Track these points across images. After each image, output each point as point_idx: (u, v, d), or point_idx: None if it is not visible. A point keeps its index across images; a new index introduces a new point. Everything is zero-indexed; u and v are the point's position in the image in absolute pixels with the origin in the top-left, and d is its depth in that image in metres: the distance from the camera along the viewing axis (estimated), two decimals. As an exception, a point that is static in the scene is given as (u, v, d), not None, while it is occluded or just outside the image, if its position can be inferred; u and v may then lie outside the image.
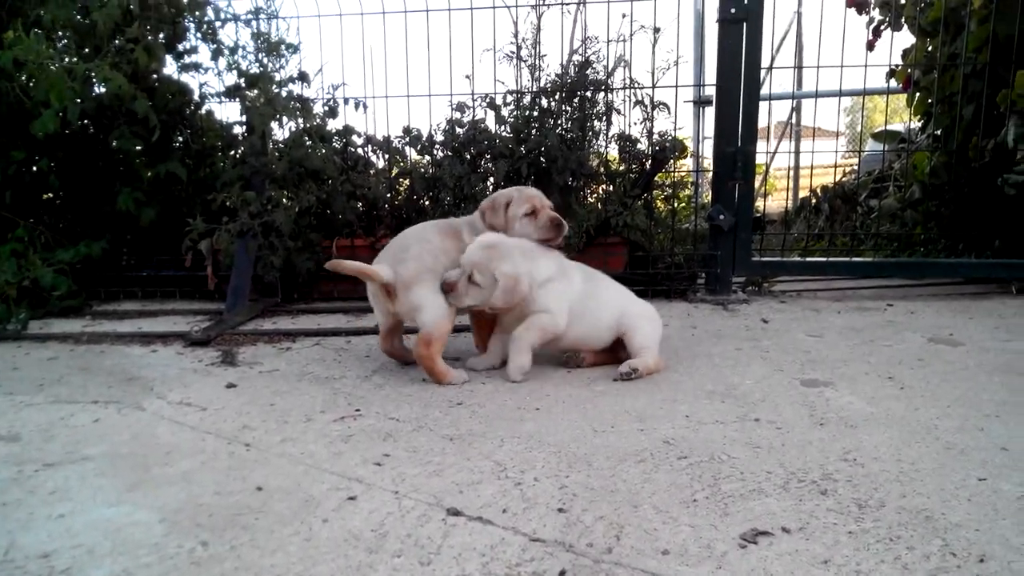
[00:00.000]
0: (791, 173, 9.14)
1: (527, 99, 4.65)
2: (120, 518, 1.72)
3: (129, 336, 3.75)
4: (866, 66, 4.94)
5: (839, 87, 4.99)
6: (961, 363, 3.02)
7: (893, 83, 5.91)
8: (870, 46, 6.29)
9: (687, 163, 5.60)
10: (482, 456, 2.10)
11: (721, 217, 4.44)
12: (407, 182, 4.79)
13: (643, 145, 4.69)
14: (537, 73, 4.65)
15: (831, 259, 5.16)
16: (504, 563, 1.49)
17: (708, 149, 6.42)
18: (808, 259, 5.13)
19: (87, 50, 4.28)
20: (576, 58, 4.61)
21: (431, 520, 1.69)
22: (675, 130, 4.63)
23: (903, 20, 5.84)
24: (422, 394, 2.74)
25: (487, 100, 4.65)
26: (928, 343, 3.38)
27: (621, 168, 4.75)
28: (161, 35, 4.45)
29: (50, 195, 4.88)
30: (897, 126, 7.21)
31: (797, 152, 8.88)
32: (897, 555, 1.49)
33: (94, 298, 4.68)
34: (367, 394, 2.75)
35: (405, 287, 2.85)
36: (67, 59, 4.11)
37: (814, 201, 7.35)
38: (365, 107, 4.57)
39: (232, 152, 4.71)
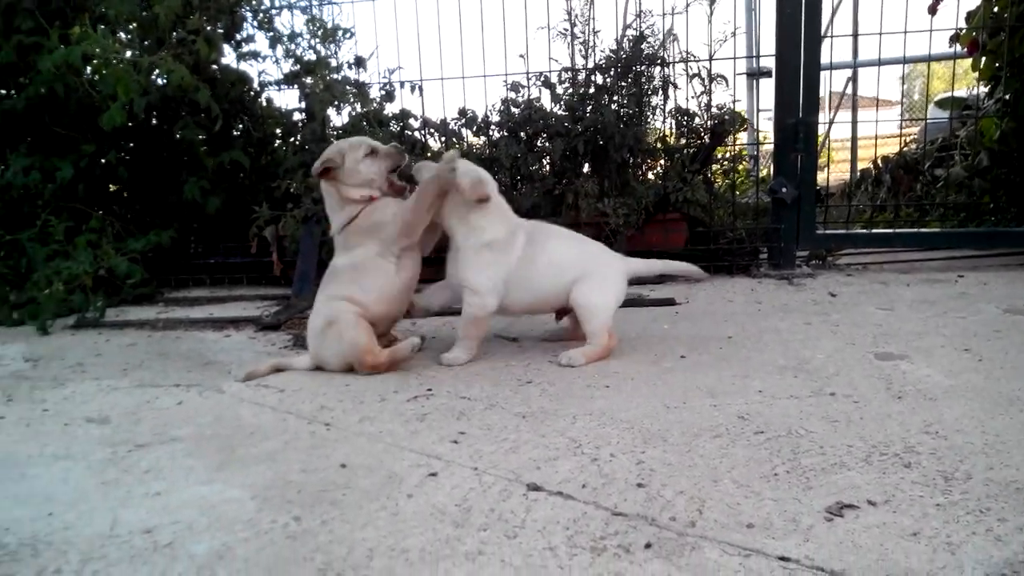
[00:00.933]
0: (852, 143, 8.93)
1: (582, 76, 4.63)
2: (213, 495, 1.79)
3: (202, 322, 3.86)
4: (931, 31, 4.78)
5: (903, 54, 4.84)
6: (1040, 333, 2.94)
7: (957, 48, 5.73)
8: (932, 10, 6.09)
9: (742, 137, 5.52)
10: (556, 433, 2.12)
11: (784, 190, 4.38)
12: (463, 163, 4.81)
13: (701, 119, 4.63)
14: (591, 50, 4.61)
15: (898, 230, 5.05)
16: (589, 536, 1.51)
17: (763, 122, 6.36)
18: (875, 231, 5.02)
19: (149, 43, 4.38)
20: (630, 33, 4.56)
21: (512, 495, 1.72)
22: (734, 103, 4.57)
23: (968, -19, 5.64)
24: (491, 373, 2.77)
25: (542, 79, 4.64)
26: (1004, 314, 3.30)
27: (680, 143, 4.70)
28: (219, 25, 4.53)
29: (118, 186, 5.03)
30: (961, 92, 6.99)
31: (855, 122, 8.66)
32: (988, 527, 1.47)
33: (164, 285, 4.82)
34: (437, 373, 2.79)
35: None
36: (131, 52, 4.21)
37: (875, 172, 7.18)
38: (421, 90, 4.61)
39: (292, 139, 4.79)
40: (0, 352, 3.42)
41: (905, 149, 7.12)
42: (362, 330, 2.80)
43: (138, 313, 4.16)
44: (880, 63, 5.05)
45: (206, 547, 1.53)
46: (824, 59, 4.48)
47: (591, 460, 1.90)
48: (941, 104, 6.69)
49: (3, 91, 4.76)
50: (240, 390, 2.67)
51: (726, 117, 4.53)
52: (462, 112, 4.72)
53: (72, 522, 1.68)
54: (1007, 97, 5.48)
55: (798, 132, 4.33)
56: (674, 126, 4.66)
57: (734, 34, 4.49)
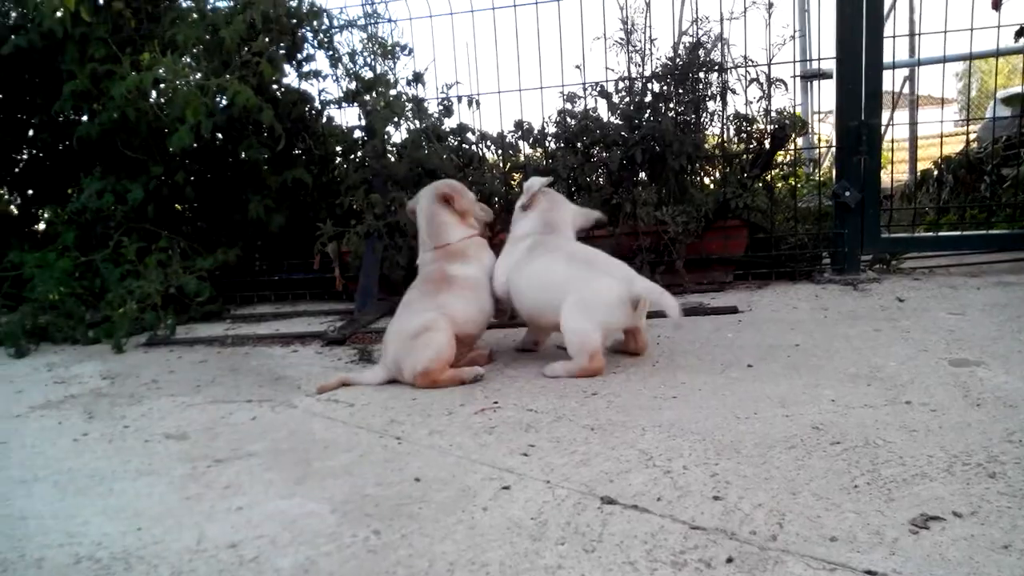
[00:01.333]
0: (911, 144, 8.72)
1: (638, 85, 4.62)
2: (293, 509, 1.83)
3: (269, 337, 3.94)
4: (999, 27, 4.65)
5: (970, 50, 4.71)
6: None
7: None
8: (995, 6, 5.93)
9: (800, 141, 5.43)
10: (626, 445, 2.11)
11: (847, 193, 4.29)
12: (519, 176, 4.84)
13: (760, 124, 4.58)
14: (647, 58, 4.61)
15: (966, 233, 4.92)
16: (668, 550, 1.51)
17: (818, 125, 6.24)
18: (941, 234, 4.89)
19: (215, 65, 4.50)
20: (686, 39, 4.54)
21: (587, 508, 1.72)
22: (794, 106, 4.50)
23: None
24: (555, 385, 2.77)
25: (598, 89, 4.64)
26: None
27: (739, 148, 4.66)
28: (282, 46, 4.64)
29: (185, 206, 5.18)
30: (1015, 88, 6.75)
31: (913, 123, 8.46)
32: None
33: (230, 302, 4.94)
34: (502, 386, 2.81)
35: None
36: (198, 76, 4.33)
37: (937, 173, 6.99)
38: (478, 104, 4.65)
39: (352, 156, 4.87)
40: (78, 370, 3.54)
41: (970, 148, 6.92)
42: (450, 344, 2.87)
43: (206, 330, 4.27)
44: (945, 60, 4.92)
45: (291, 561, 1.57)
46: (886, 59, 4.39)
47: (664, 472, 1.90)
48: (1008, 101, 6.49)
49: (78, 117, 4.95)
50: (311, 405, 2.73)
51: (786, 121, 4.47)
52: (518, 124, 4.74)
53: (160, 537, 1.73)
54: (1078, 92, 5.31)
55: (861, 134, 4.25)
56: (733, 132, 4.61)
57: (793, 37, 4.43)
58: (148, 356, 3.76)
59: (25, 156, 5.61)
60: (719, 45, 4.51)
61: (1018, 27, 5.54)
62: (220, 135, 4.90)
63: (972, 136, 7.25)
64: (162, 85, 4.36)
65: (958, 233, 4.95)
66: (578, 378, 2.82)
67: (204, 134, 4.39)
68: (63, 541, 1.74)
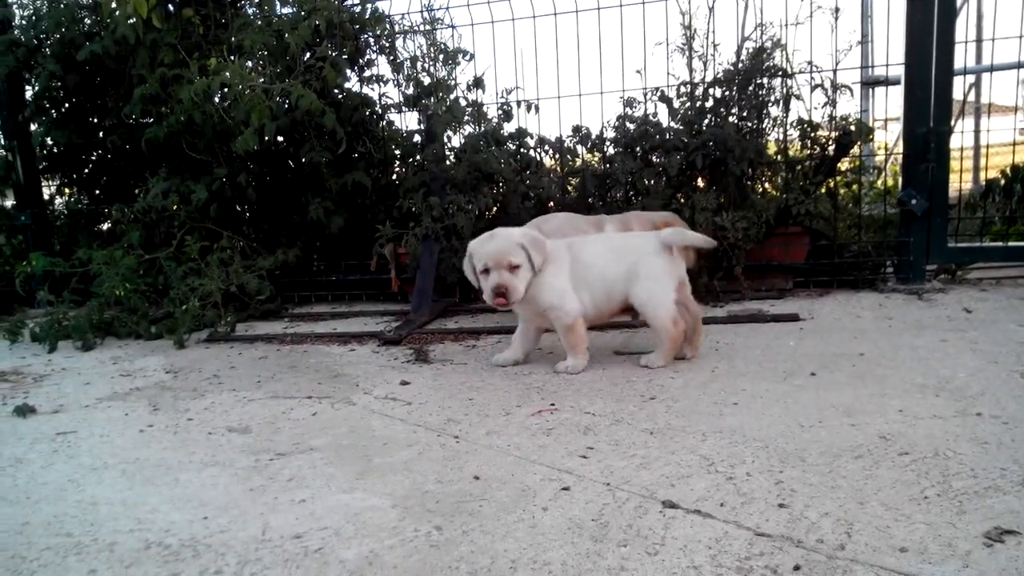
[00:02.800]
0: (975, 152, 8.48)
1: (700, 90, 4.58)
2: (355, 503, 1.85)
3: (327, 336, 4.00)
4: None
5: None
6: None
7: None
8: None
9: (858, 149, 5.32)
10: (686, 450, 2.09)
11: (913, 202, 4.19)
12: (577, 180, 4.83)
13: (824, 130, 4.50)
14: (709, 63, 4.57)
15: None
16: (733, 556, 1.49)
17: (879, 132, 6.11)
18: (1011, 243, 4.74)
19: (280, 70, 4.60)
20: (749, 45, 4.49)
21: (648, 512, 1.71)
22: (860, 112, 4.42)
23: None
24: (612, 389, 2.76)
25: (658, 94, 4.61)
26: None
27: (802, 154, 4.58)
28: (344, 51, 4.71)
29: (246, 207, 5.29)
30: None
31: (977, 131, 8.21)
32: None
33: (288, 302, 5.03)
34: (558, 389, 2.80)
35: None
36: (263, 80, 4.42)
37: (1003, 182, 6.78)
38: (537, 109, 4.66)
39: (411, 160, 4.92)
40: (142, 364, 3.64)
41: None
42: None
43: (265, 328, 4.35)
44: (1020, 65, 4.76)
45: (355, 553, 1.59)
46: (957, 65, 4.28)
47: (726, 479, 1.87)
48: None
49: (146, 120, 5.10)
50: (370, 402, 2.76)
51: (851, 128, 4.38)
52: (576, 129, 4.74)
53: (226, 526, 1.77)
54: None
55: (929, 142, 4.15)
56: (797, 138, 4.54)
57: (861, 43, 4.35)
58: (209, 352, 3.84)
59: (95, 157, 5.80)
60: (780, 50, 4.45)
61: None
62: (282, 138, 5.00)
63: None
64: (227, 89, 4.46)
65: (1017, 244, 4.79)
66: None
67: (267, 137, 4.48)
68: (133, 527, 1.79)
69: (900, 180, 4.44)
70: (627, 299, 3.07)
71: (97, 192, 5.91)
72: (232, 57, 4.44)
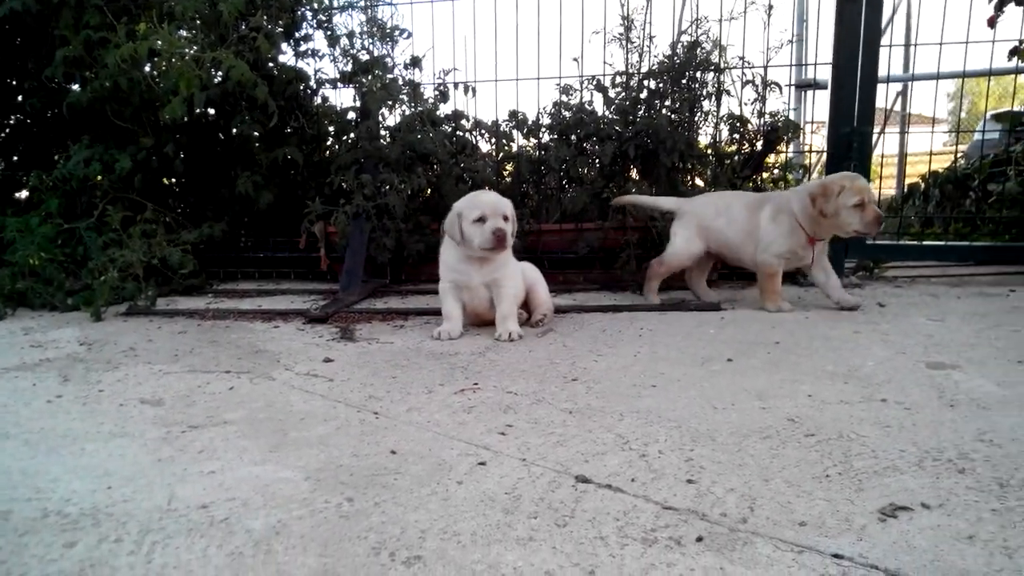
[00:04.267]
0: (898, 160, 8.79)
1: (634, 81, 4.63)
2: (267, 475, 1.82)
3: (251, 313, 3.93)
4: (993, 42, 4.69)
5: (963, 68, 4.76)
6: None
7: (1016, 62, 5.61)
8: (991, 23, 5.97)
9: (791, 147, 5.46)
10: (603, 429, 2.12)
11: (835, 199, 4.32)
12: (512, 165, 4.84)
13: (753, 126, 4.60)
14: (645, 55, 4.62)
15: (950, 243, 4.97)
16: (639, 527, 1.52)
17: (810, 134, 6.29)
18: (925, 243, 4.94)
19: (212, 39, 4.47)
20: (685, 38, 4.56)
21: (561, 486, 1.73)
22: (788, 110, 4.53)
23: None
24: (536, 370, 2.78)
25: (594, 82, 4.65)
26: (1062, 330, 3.22)
27: (731, 149, 4.68)
28: (280, 23, 4.61)
29: (173, 179, 5.14)
30: (1020, 108, 6.83)
31: (903, 135, 8.52)
32: (1046, 533, 1.45)
33: (214, 277, 4.92)
34: (483, 369, 2.81)
35: None
36: (194, 48, 4.31)
37: (924, 187, 7.05)
38: (474, 91, 4.65)
39: (345, 137, 4.86)
40: (55, 335, 3.51)
41: (955, 164, 6.99)
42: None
43: (188, 303, 4.25)
44: (939, 76, 4.96)
45: (262, 523, 1.57)
46: (880, 72, 4.43)
47: (639, 456, 1.91)
48: (999, 118, 6.56)
49: (69, 84, 4.90)
50: (290, 378, 2.72)
51: (779, 124, 4.49)
52: (513, 114, 4.74)
53: (130, 496, 1.72)
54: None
55: (852, 142, 4.29)
56: (727, 132, 4.63)
57: (791, 41, 4.45)
58: (127, 325, 3.73)
59: (12, 121, 5.56)
60: (715, 46, 4.53)
61: (1013, 46, 5.61)
62: (213, 110, 4.87)
63: (961, 153, 7.33)
64: (156, 56, 4.33)
65: (941, 243, 5.00)
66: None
67: (197, 107, 4.37)
68: (31, 496, 1.73)
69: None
70: None
71: (15, 158, 5.67)
72: (163, 23, 4.30)
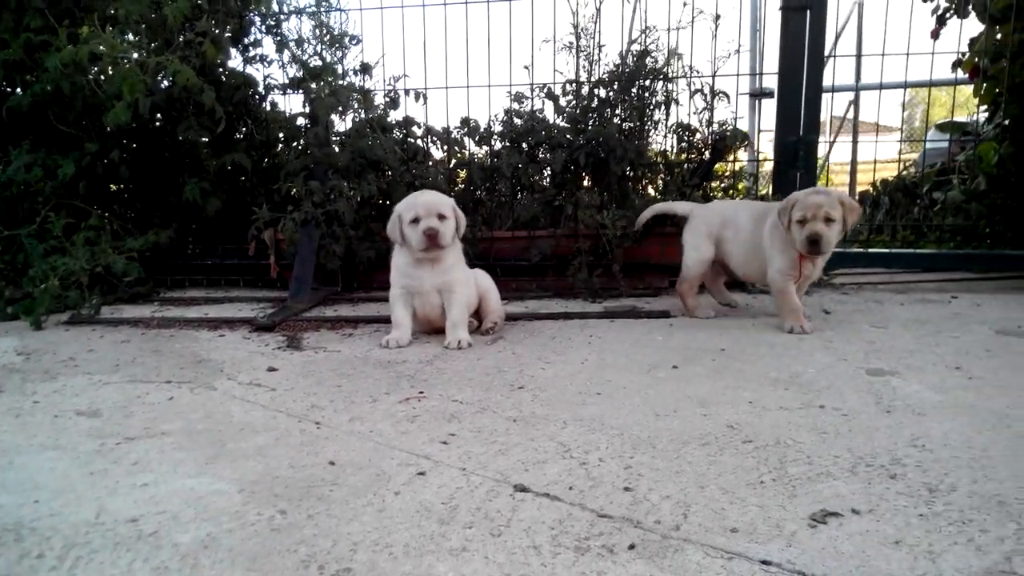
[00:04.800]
0: (850, 169, 8.96)
1: (585, 89, 4.65)
2: (201, 488, 1.79)
3: (197, 321, 3.87)
4: (933, 53, 4.81)
5: (904, 79, 4.88)
6: (1032, 355, 2.95)
7: (959, 74, 5.76)
8: (935, 35, 6.12)
9: (743, 155, 5.54)
10: (546, 437, 2.12)
11: (782, 207, 4.39)
12: (464, 172, 4.84)
13: (702, 135, 4.66)
14: (596, 63, 4.65)
15: (895, 250, 5.07)
16: (573, 536, 1.52)
17: (765, 143, 6.39)
18: (872, 250, 5.03)
19: (157, 44, 4.40)
20: (635, 48, 4.60)
21: (499, 495, 1.72)
22: (735, 119, 4.59)
23: (970, 7, 5.68)
24: (483, 378, 2.77)
25: (545, 90, 4.66)
26: (996, 335, 3.30)
27: (680, 158, 4.73)
28: (228, 29, 4.56)
29: (119, 186, 5.04)
30: (962, 118, 7.01)
31: (855, 144, 8.69)
32: (970, 537, 1.48)
33: (161, 285, 4.83)
34: (429, 377, 2.80)
35: None
36: (139, 53, 4.23)
37: (873, 195, 7.20)
38: (425, 98, 4.63)
39: (295, 143, 4.81)
40: (-6, 345, 3.42)
41: (904, 173, 7.14)
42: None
43: (133, 311, 4.17)
44: (881, 87, 5.08)
45: (191, 536, 1.54)
46: (827, 82, 4.52)
47: (580, 464, 1.91)
48: (942, 128, 6.72)
49: (10, 88, 4.79)
50: (232, 388, 2.68)
51: (727, 133, 4.54)
52: (465, 121, 4.74)
53: (58, 510, 1.68)
54: (1006, 122, 5.51)
55: (798, 150, 4.36)
56: (675, 141, 4.68)
57: (738, 51, 4.53)
58: (68, 334, 3.64)
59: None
60: (675, 57, 4.58)
61: (955, 58, 5.76)
62: (160, 115, 4.79)
63: (912, 162, 7.50)
64: (101, 60, 4.24)
65: (887, 250, 5.10)
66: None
67: (142, 112, 4.28)
68: (-46, 512, 1.68)
69: (771, 186, 4.64)
70: None
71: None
72: (106, 27, 4.22)
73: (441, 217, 3.29)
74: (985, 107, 5.90)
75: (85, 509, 1.68)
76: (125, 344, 3.43)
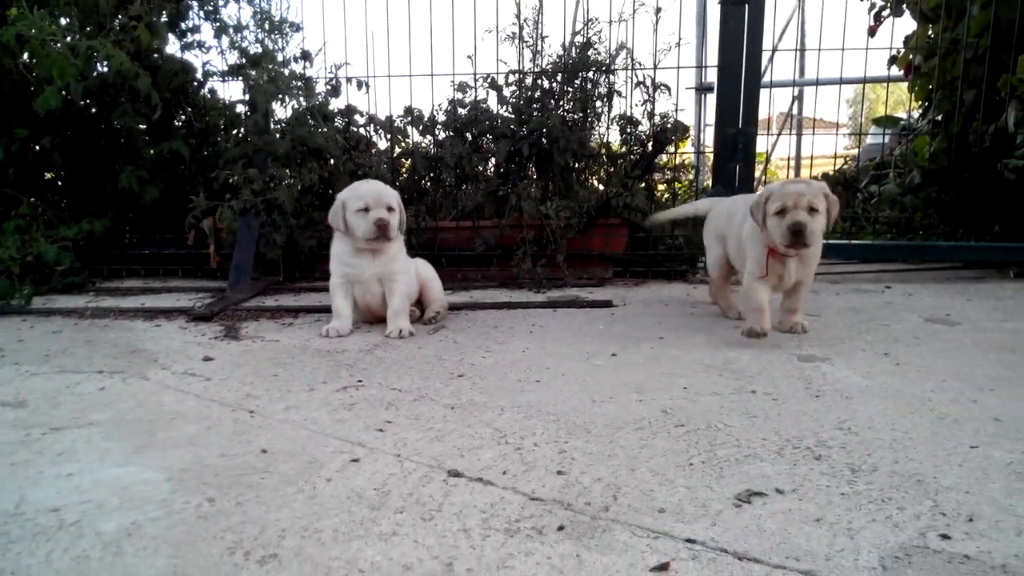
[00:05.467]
0: (792, 163, 9.14)
1: (529, 80, 4.66)
2: (127, 477, 1.76)
3: (133, 311, 3.78)
4: (867, 49, 4.93)
5: (840, 75, 4.99)
6: (957, 341, 3.04)
7: (895, 71, 5.92)
8: (871, 32, 6.27)
9: (689, 149, 5.61)
10: (483, 424, 2.13)
11: (721, 199, 4.45)
12: (408, 162, 4.81)
13: (644, 127, 4.70)
14: (539, 54, 4.65)
15: (830, 241, 5.17)
16: (504, 519, 1.53)
17: (712, 137, 6.49)
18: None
19: (89, 28, 4.28)
20: (578, 39, 4.62)
21: (432, 481, 1.73)
22: (676, 112, 4.64)
23: (904, 5, 5.84)
24: (423, 367, 2.77)
25: (489, 80, 4.66)
26: (925, 323, 3.41)
27: (622, 150, 4.77)
28: (164, 13, 4.46)
29: (53, 173, 4.90)
30: (900, 114, 7.21)
31: (799, 139, 8.87)
32: (888, 514, 1.53)
33: (97, 276, 4.71)
34: (369, 366, 2.78)
35: None
36: (70, 37, 4.11)
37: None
38: (367, 86, 4.59)
39: (235, 131, 4.73)
40: (-83, 337, 3.31)
41: (845, 167, 7.31)
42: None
43: (67, 302, 4.06)
44: (819, 83, 5.19)
45: (114, 525, 1.51)
46: (770, 77, 4.60)
47: (514, 449, 1.92)
48: (878, 122, 6.90)
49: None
50: (165, 378, 2.63)
51: (668, 125, 4.60)
52: (408, 110, 4.71)
53: (-24, 501, 1.63)
54: (938, 118, 5.68)
55: (737, 142, 4.43)
56: (618, 132, 4.71)
57: (679, 45, 4.57)
58: (-3, 325, 3.54)
59: None
60: (620, 51, 4.60)
61: (890, 55, 5.91)
62: (94, 102, 4.66)
63: (853, 157, 7.67)
64: (30, 43, 4.11)
65: (826, 242, 5.20)
66: None
67: (74, 98, 4.17)
68: None
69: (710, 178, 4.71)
70: None
71: None
72: (35, 8, 4.08)
73: (390, 208, 3.28)
74: (920, 103, 6.08)
75: (5, 499, 1.63)
76: (57, 334, 3.34)
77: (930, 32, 5.72)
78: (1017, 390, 2.37)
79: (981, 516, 1.52)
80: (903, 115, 6.92)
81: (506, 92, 4.65)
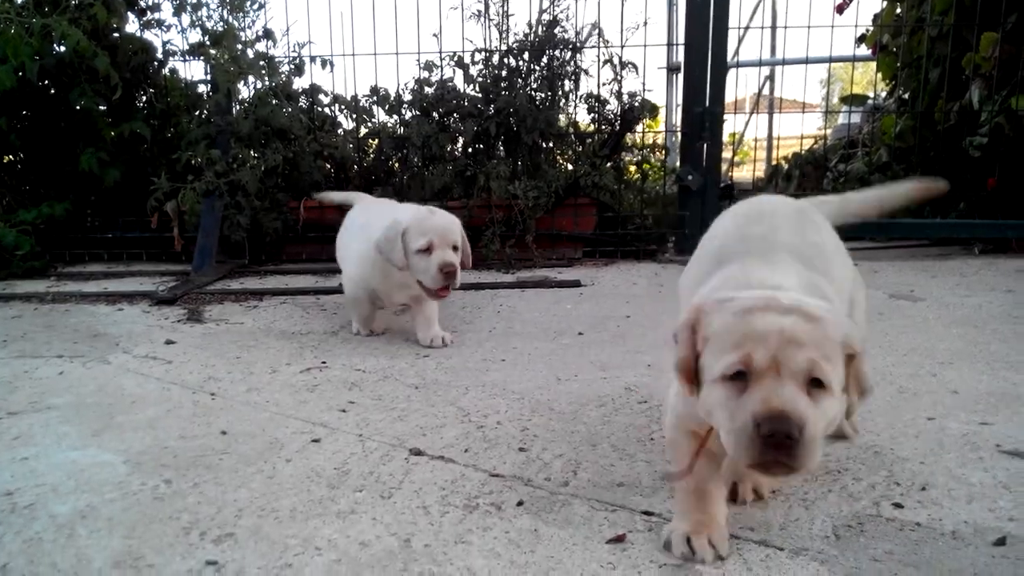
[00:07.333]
0: (767, 143, 9.18)
1: (495, 58, 4.62)
2: (84, 460, 1.74)
3: (95, 295, 3.72)
4: (832, 27, 4.97)
5: (806, 54, 5.01)
6: (920, 316, 3.08)
7: (863, 50, 5.95)
8: (839, 10, 6.28)
9: (659, 129, 5.60)
10: (446, 403, 2.13)
11: (690, 177, 4.46)
12: (375, 142, 4.75)
13: (612, 106, 4.68)
14: (505, 32, 4.61)
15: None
16: (463, 495, 1.53)
17: (671, 115, 6.50)
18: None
19: (47, 8, 4.17)
20: (544, 17, 4.58)
21: (393, 459, 1.72)
22: (644, 91, 4.63)
23: (871, -16, 5.85)
24: (388, 347, 2.76)
25: (455, 59, 4.61)
26: (889, 299, 3.44)
27: (590, 128, 4.75)
28: (123, -10, 4.36)
29: (11, 156, 4.80)
30: (869, 93, 7.26)
31: (771, 119, 8.89)
32: (843, 485, 1.55)
33: (59, 260, 4.62)
34: (333, 348, 2.77)
35: None
36: (24, 14, 4.01)
37: (786, 167, 7.40)
38: (332, 65, 4.52)
39: (197, 111, 4.65)
40: None
41: (815, 146, 7.36)
42: None
43: (27, 287, 3.98)
44: (785, 62, 5.20)
45: (69, 507, 1.49)
46: (743, 56, 4.59)
47: (477, 427, 1.92)
48: (845, 101, 6.94)
49: None
50: (126, 361, 2.59)
51: (636, 104, 4.59)
52: (374, 90, 4.65)
53: (-74, 487, 1.60)
54: (905, 96, 5.72)
55: (704, 121, 4.43)
56: (586, 111, 4.70)
57: (645, 24, 4.55)
58: (-46, 311, 3.47)
59: None
60: (591, 30, 4.56)
61: (859, 34, 5.94)
62: (52, 82, 4.55)
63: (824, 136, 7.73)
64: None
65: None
66: None
67: (31, 77, 4.08)
68: None
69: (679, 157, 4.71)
70: None
71: None
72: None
73: (454, 248, 2.72)
74: (887, 81, 6.12)
75: (-44, 485, 1.60)
76: (16, 319, 3.29)
77: (898, 10, 5.74)
78: (976, 364, 2.41)
79: (935, 485, 1.54)
80: (871, 95, 6.97)
81: (472, 71, 4.61)
